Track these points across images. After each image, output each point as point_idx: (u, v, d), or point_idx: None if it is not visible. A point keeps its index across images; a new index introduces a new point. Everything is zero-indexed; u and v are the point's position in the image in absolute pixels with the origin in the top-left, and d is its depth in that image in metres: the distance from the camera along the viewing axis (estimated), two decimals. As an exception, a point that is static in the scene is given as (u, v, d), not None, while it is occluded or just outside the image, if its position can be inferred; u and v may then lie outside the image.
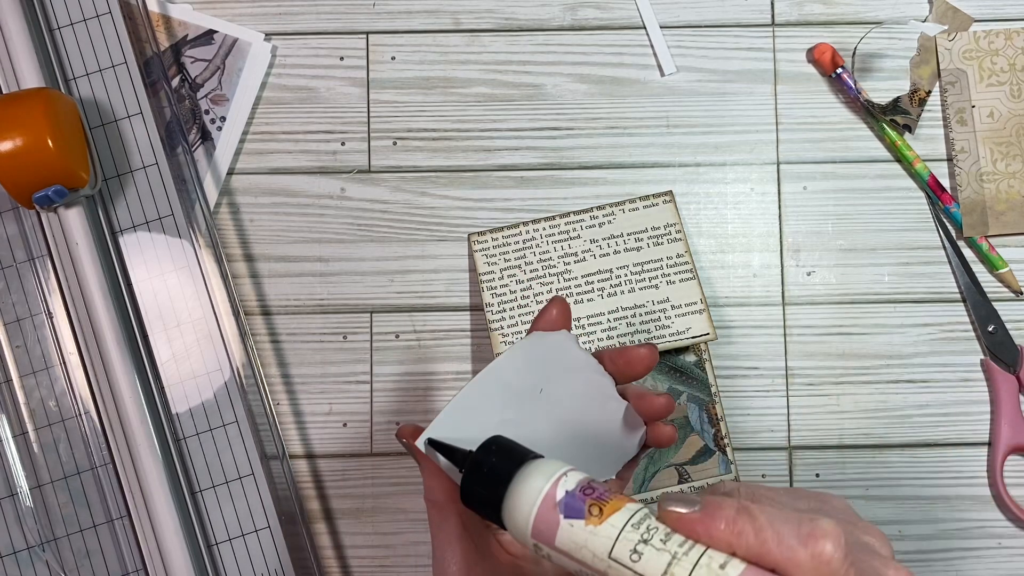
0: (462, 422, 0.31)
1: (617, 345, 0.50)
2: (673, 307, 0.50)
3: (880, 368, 0.52)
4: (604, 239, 0.51)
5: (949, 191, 0.52)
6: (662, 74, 0.54)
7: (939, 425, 0.52)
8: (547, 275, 0.51)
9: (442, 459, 0.30)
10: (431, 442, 0.30)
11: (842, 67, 0.53)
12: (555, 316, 0.35)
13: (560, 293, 0.51)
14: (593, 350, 0.36)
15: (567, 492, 0.25)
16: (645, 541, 0.24)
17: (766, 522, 0.23)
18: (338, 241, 0.53)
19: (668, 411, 0.34)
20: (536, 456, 0.27)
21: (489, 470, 0.27)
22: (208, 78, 0.53)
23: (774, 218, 0.53)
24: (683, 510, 0.24)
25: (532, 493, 0.26)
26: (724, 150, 0.53)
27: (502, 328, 0.50)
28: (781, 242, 0.53)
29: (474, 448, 0.28)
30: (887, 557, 0.26)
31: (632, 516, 0.24)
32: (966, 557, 0.51)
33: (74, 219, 0.47)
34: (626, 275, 0.51)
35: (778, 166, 0.53)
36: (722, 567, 0.23)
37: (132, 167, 0.49)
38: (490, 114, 0.54)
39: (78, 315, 0.47)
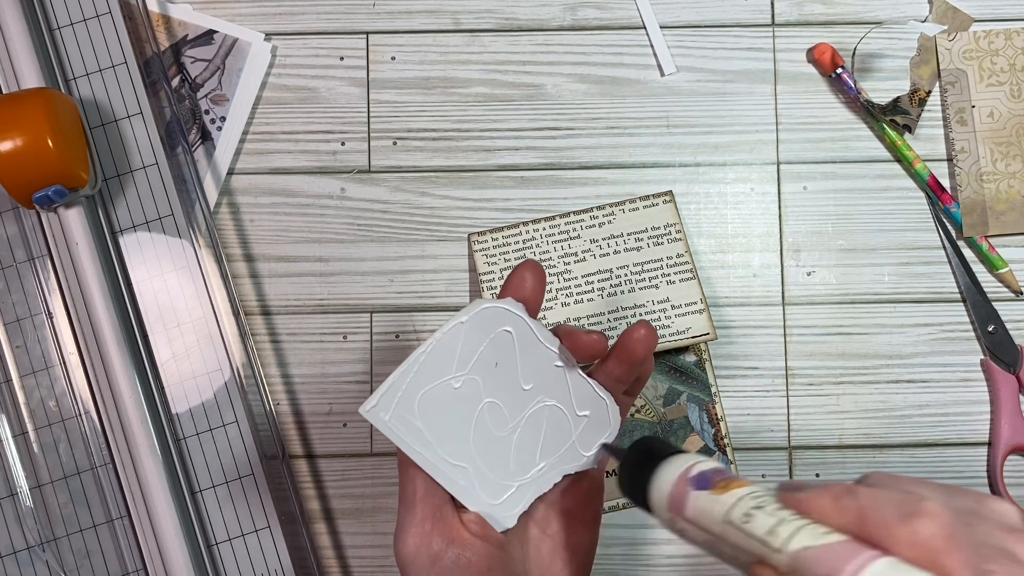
0: (409, 392, 0.33)
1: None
2: (673, 307, 0.50)
3: (880, 368, 0.52)
4: (604, 239, 0.51)
5: (949, 191, 0.52)
6: (662, 74, 0.54)
7: (939, 425, 0.52)
8: (547, 275, 0.51)
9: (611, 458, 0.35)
10: (606, 446, 0.35)
11: (842, 67, 0.53)
12: (529, 287, 0.33)
13: (560, 293, 0.51)
14: (549, 326, 0.35)
15: (700, 472, 0.29)
16: (759, 508, 0.26)
17: (868, 500, 0.25)
18: (338, 241, 0.53)
19: (600, 348, 0.33)
20: (678, 451, 0.31)
21: (635, 462, 0.32)
22: (208, 78, 0.53)
23: (774, 218, 0.53)
24: (797, 492, 0.26)
25: (671, 474, 0.30)
26: (724, 150, 0.53)
27: (502, 328, 0.50)
28: (781, 242, 0.53)
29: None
30: None
31: (753, 490, 0.27)
32: (966, 557, 0.51)
33: (74, 219, 0.47)
34: (626, 275, 0.51)
35: (778, 166, 0.53)
36: (825, 533, 0.25)
37: (132, 167, 0.49)
38: (490, 114, 0.54)
39: (78, 315, 0.47)
